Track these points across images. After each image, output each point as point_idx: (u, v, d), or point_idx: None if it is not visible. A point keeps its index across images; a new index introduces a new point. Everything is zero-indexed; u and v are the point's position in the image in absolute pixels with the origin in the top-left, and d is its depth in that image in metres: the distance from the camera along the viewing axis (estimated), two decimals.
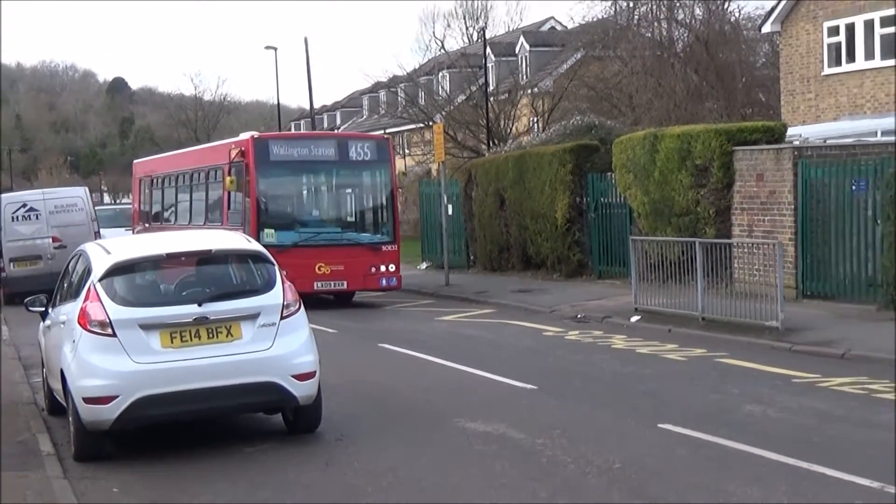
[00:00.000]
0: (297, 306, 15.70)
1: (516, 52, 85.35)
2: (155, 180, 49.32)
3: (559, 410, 17.60)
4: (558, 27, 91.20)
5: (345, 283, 35.59)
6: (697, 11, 60.78)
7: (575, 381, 19.98)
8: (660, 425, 16.03)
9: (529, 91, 68.49)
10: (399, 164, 64.97)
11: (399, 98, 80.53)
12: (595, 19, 64.01)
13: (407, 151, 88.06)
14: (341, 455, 15.01)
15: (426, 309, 35.59)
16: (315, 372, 15.50)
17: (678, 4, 61.45)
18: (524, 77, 74.99)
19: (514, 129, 64.47)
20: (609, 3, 62.91)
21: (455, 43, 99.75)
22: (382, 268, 36.19)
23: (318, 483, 13.59)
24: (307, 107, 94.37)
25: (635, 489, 12.62)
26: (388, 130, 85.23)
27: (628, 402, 17.90)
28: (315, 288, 34.28)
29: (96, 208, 62.03)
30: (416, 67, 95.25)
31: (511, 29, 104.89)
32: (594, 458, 14.22)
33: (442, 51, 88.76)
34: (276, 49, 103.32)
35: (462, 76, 77.00)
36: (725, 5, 61.58)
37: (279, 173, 36.85)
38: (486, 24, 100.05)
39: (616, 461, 14.06)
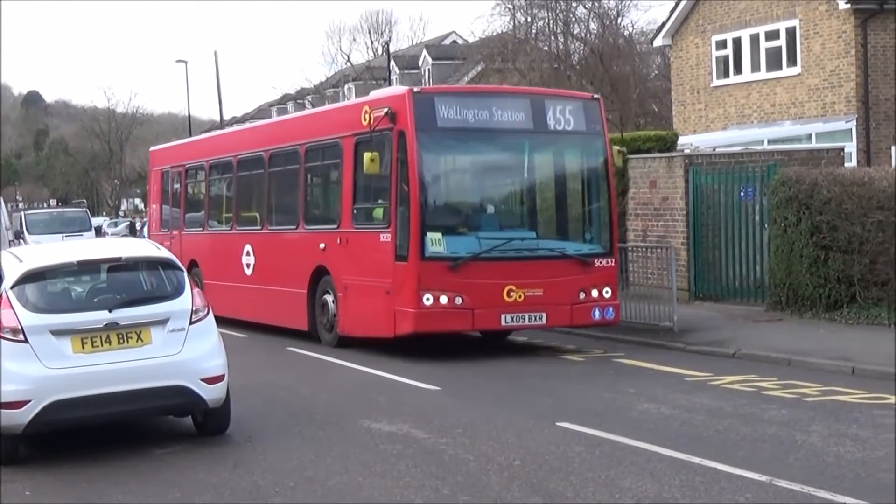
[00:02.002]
0: (205, 312, 15.50)
1: (419, 65, 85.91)
2: (193, 171, 34.86)
3: (462, 410, 17.51)
4: (459, 41, 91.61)
5: (543, 315, 22.38)
6: (592, 26, 61.29)
7: (477, 381, 19.98)
8: (558, 423, 15.99)
9: None
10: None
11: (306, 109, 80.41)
12: (495, 34, 64.32)
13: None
14: (249, 456, 14.82)
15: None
16: (224, 375, 15.33)
17: (574, 19, 61.90)
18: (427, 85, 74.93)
19: None
20: (508, 19, 63.31)
21: (360, 56, 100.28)
22: (595, 292, 22.64)
23: (227, 483, 13.37)
24: (218, 118, 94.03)
25: (534, 485, 12.54)
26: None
27: (528, 402, 17.90)
28: (502, 323, 22.38)
29: (29, 213, 61.43)
30: (322, 80, 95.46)
31: (414, 43, 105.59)
32: (495, 456, 14.14)
33: (348, 64, 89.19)
34: (186, 63, 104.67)
35: (367, 88, 76.98)
36: (619, 20, 62.05)
37: (450, 148, 23.89)
38: (390, 38, 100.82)
39: (516, 458, 13.98)
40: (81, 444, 15.28)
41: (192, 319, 15.15)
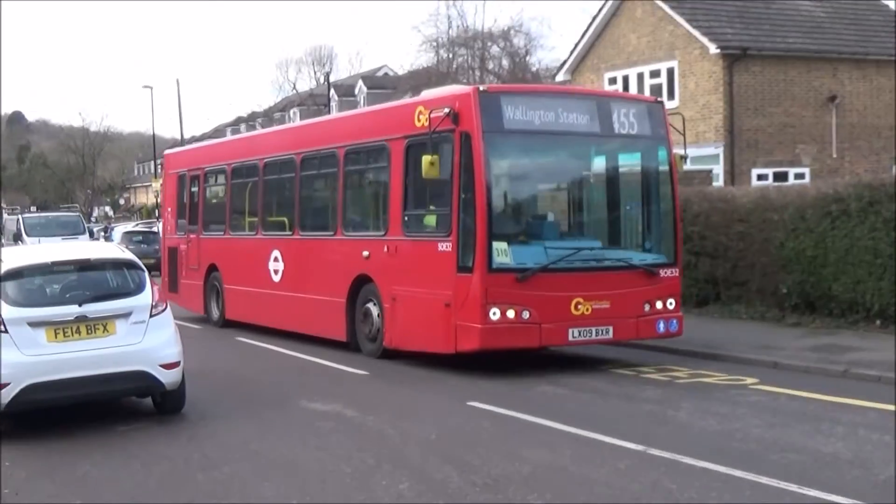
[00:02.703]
0: (163, 307, 15.42)
1: (356, 93, 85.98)
2: (213, 174, 29.22)
3: (387, 392, 17.65)
4: (391, 73, 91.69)
5: (610, 329, 18.65)
6: (504, 62, 61.33)
7: (400, 367, 19.88)
8: (469, 403, 16.04)
9: None
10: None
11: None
12: (421, 67, 64.30)
13: None
14: (201, 432, 14.78)
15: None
16: (179, 362, 15.28)
17: (489, 56, 61.92)
18: None
19: None
20: (432, 55, 63.29)
21: (305, 85, 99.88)
22: (659, 304, 19.19)
23: (181, 455, 13.32)
24: (179, 137, 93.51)
25: (448, 456, 12.55)
26: None
27: (444, 385, 17.95)
28: (570, 338, 18.47)
29: (26, 217, 60.74)
30: (271, 105, 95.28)
31: (351, 74, 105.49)
32: (414, 431, 14.20)
33: (294, 91, 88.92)
34: (151, 88, 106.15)
35: (310, 112, 77.11)
36: (527, 58, 62.13)
37: (517, 151, 19.73)
38: (330, 69, 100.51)
39: (433, 433, 14.05)
40: (55, 423, 15.16)
41: (152, 313, 15.08)
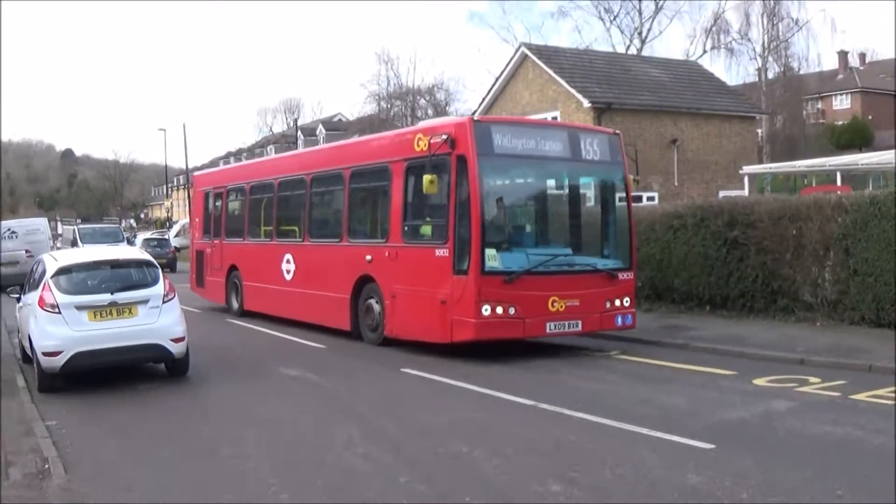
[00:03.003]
0: (172, 295, 15.48)
1: (317, 134, 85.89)
2: (234, 191, 27.84)
3: (340, 361, 17.53)
4: (344, 119, 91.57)
5: (579, 323, 17.73)
6: (430, 112, 61.20)
7: (351, 343, 19.71)
8: (403, 370, 16.03)
9: None
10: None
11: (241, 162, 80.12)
12: (366, 115, 64.17)
13: None
14: (202, 391, 14.68)
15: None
16: (185, 337, 15.37)
17: (418, 107, 61.83)
18: None
19: None
20: (374, 105, 63.17)
21: (278, 127, 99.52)
22: (618, 301, 18.30)
23: (187, 407, 13.26)
24: (184, 167, 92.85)
25: (387, 409, 12.51)
26: None
27: (385, 356, 17.76)
28: (547, 331, 17.43)
29: (80, 227, 60.38)
30: (252, 143, 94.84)
31: (314, 119, 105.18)
32: (362, 391, 14.19)
33: (270, 132, 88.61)
34: (165, 130, 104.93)
35: (282, 148, 76.65)
36: (447, 107, 62.11)
37: (505, 172, 18.55)
38: (298, 115, 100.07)
39: (375, 393, 14.01)
40: (97, 381, 15.06)
41: (164, 300, 15.17)
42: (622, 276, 18.12)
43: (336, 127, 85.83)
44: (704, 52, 59.21)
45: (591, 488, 8.74)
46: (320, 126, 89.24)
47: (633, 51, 57.71)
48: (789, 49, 62.80)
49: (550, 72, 39.14)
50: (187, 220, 75.85)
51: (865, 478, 8.90)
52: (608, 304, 17.83)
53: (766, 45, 57.55)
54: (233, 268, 26.79)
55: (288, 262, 23.18)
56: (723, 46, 59.72)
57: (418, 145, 17.82)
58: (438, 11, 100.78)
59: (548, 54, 41.18)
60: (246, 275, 26.04)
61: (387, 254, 18.71)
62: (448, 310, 16.80)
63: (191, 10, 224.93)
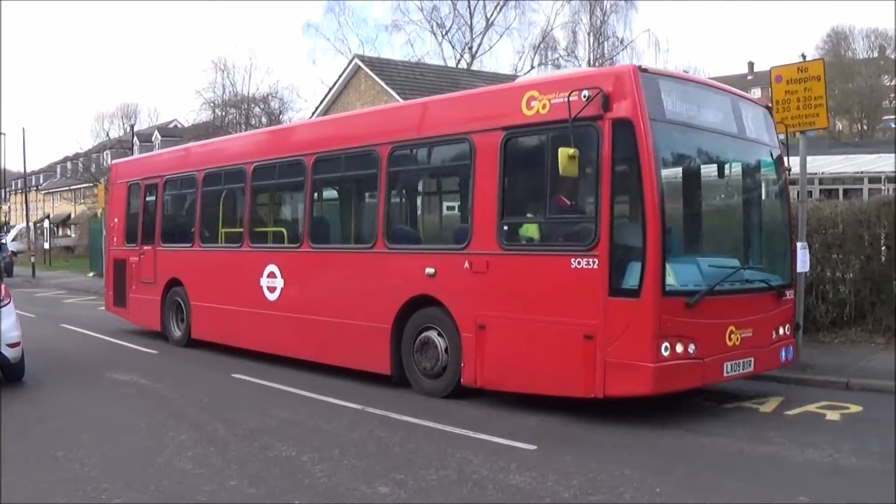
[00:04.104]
0: (8, 300, 14.93)
1: (153, 139, 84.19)
2: (175, 182, 20.85)
3: (173, 367, 17.28)
4: (180, 125, 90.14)
5: (752, 361, 12.48)
6: (264, 120, 60.80)
7: (183, 350, 19.61)
8: (233, 375, 16.04)
9: None
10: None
11: (78, 167, 78.11)
12: (201, 122, 63.35)
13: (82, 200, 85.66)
14: (37, 395, 14.29)
15: None
16: (20, 342, 14.91)
17: (252, 115, 61.42)
18: None
19: None
20: (210, 112, 62.42)
21: (116, 132, 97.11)
22: (781, 329, 13.39)
23: (23, 411, 12.87)
24: (22, 171, 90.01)
25: (217, 413, 12.52)
26: (72, 187, 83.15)
27: (216, 362, 17.72)
28: (724, 373, 12.09)
29: None
30: (89, 148, 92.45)
31: (150, 125, 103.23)
32: (192, 395, 14.07)
33: (107, 137, 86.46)
34: (4, 134, 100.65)
35: (118, 153, 74.86)
36: (280, 117, 61.81)
37: (678, 148, 12.52)
38: (135, 121, 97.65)
39: (205, 397, 13.97)
40: None
41: (0, 305, 14.66)
42: (787, 294, 13.55)
43: (172, 133, 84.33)
44: (532, 67, 60.37)
45: (417, 489, 8.96)
46: (156, 132, 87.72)
47: (463, 65, 58.54)
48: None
49: (382, 83, 39.46)
50: (24, 224, 73.59)
51: (690, 475, 9.40)
52: (774, 334, 13.16)
53: (591, 63, 58.99)
54: (174, 283, 20.41)
55: (272, 276, 17.13)
56: (550, 63, 60.95)
57: (529, 107, 12.37)
58: (275, 21, 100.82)
59: (380, 66, 41.56)
60: (195, 292, 19.70)
61: (467, 265, 13.08)
62: (598, 349, 11.44)
63: (30, 9, 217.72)
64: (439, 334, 13.70)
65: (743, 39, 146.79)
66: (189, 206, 20.41)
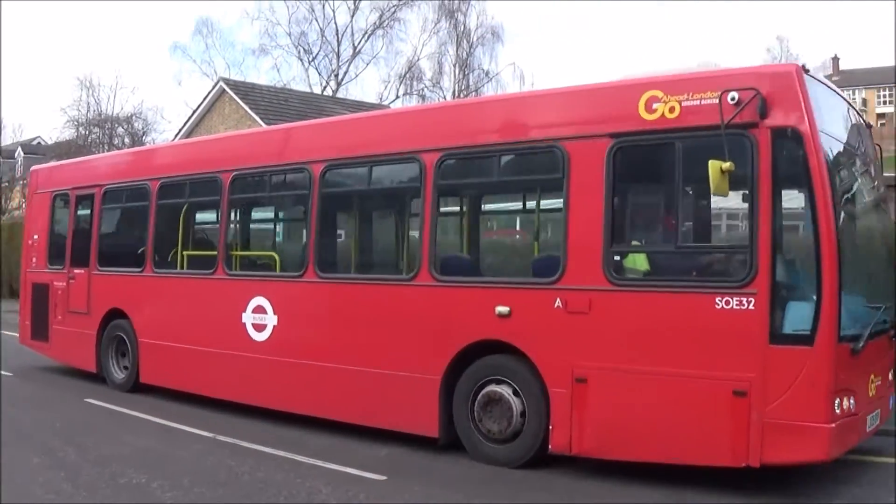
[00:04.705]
0: None
1: (15, 156, 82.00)
2: (119, 194, 17.25)
3: (34, 391, 16.97)
4: (43, 142, 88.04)
5: (878, 413, 10.21)
6: (127, 140, 59.85)
7: (46, 373, 19.26)
8: (86, 399, 15.83)
9: (21, 182, 65.26)
10: None
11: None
12: (64, 139, 62.07)
13: None
14: None
15: None
16: None
17: (115, 136, 60.43)
18: (19, 173, 70.73)
19: (8, 205, 61.06)
20: (74, 130, 61.25)
21: None
22: (890, 375, 10.73)
23: None
24: None
25: (69, 438, 12.44)
26: None
27: (74, 386, 17.40)
28: (867, 429, 9.91)
29: None
30: None
31: (14, 140, 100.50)
32: (48, 419, 13.89)
33: None
34: None
35: None
36: (144, 138, 60.91)
37: (838, 164, 9.81)
38: None
39: (58, 421, 13.78)
40: None
41: None
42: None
43: (35, 150, 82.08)
44: (398, 97, 60.98)
45: None
46: (19, 149, 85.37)
47: (329, 92, 58.74)
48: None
49: (246, 108, 39.34)
50: None
51: None
52: (891, 377, 10.95)
53: (456, 94, 59.88)
54: (115, 314, 16.85)
55: (260, 311, 13.83)
56: (415, 93, 61.69)
57: (650, 110, 9.99)
58: (142, 41, 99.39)
59: (245, 90, 41.46)
60: (146, 327, 16.20)
61: (560, 303, 10.49)
62: (753, 407, 9.33)
63: None
64: (513, 389, 11.03)
65: (607, 74, 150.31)
66: (138, 223, 16.71)
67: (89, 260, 17.53)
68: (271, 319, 13.69)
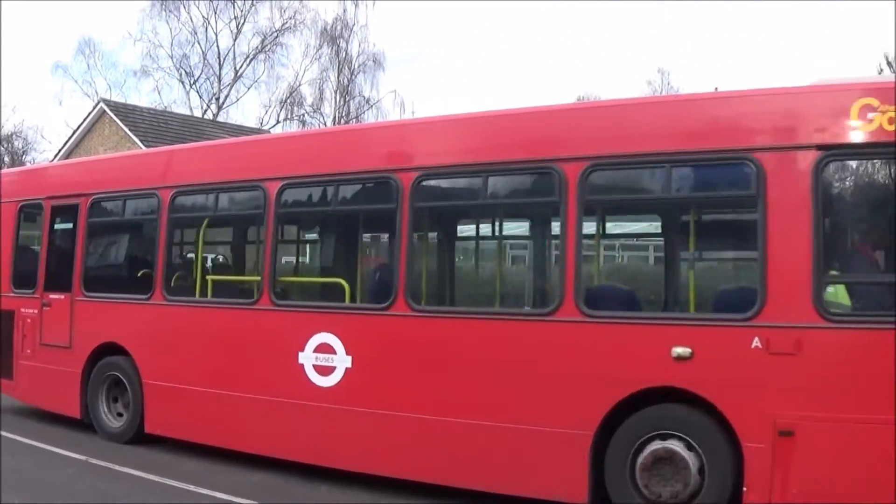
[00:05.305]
0: None
1: None
2: (115, 206, 14.22)
3: None
4: None
5: None
6: (7, 160, 58.62)
7: None
8: None
9: None
10: None
11: None
12: None
13: None
14: None
15: None
16: None
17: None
18: None
19: None
20: None
21: None
22: None
23: None
24: None
25: None
26: None
27: None
28: None
29: None
30: None
31: None
32: None
33: None
34: None
35: None
36: (24, 157, 59.66)
37: None
38: None
39: None
40: None
41: None
42: None
43: None
44: (278, 122, 60.80)
45: None
46: None
47: (209, 115, 58.31)
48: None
49: (126, 129, 38.96)
50: None
51: None
52: None
53: (337, 120, 59.96)
54: (107, 350, 13.90)
55: (325, 349, 11.18)
56: (296, 118, 61.56)
57: (866, 120, 8.44)
58: (23, 59, 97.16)
59: (125, 112, 41.07)
60: (155, 366, 13.26)
61: (758, 342, 8.67)
62: None
63: None
64: (685, 443, 9.07)
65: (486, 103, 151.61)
66: (140, 240, 14.50)
67: (71, 283, 14.41)
68: (342, 361, 11.06)
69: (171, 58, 60.29)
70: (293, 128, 60.47)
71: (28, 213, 15.75)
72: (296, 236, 13.94)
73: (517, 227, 12.67)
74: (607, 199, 10.42)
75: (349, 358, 11.02)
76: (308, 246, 14.71)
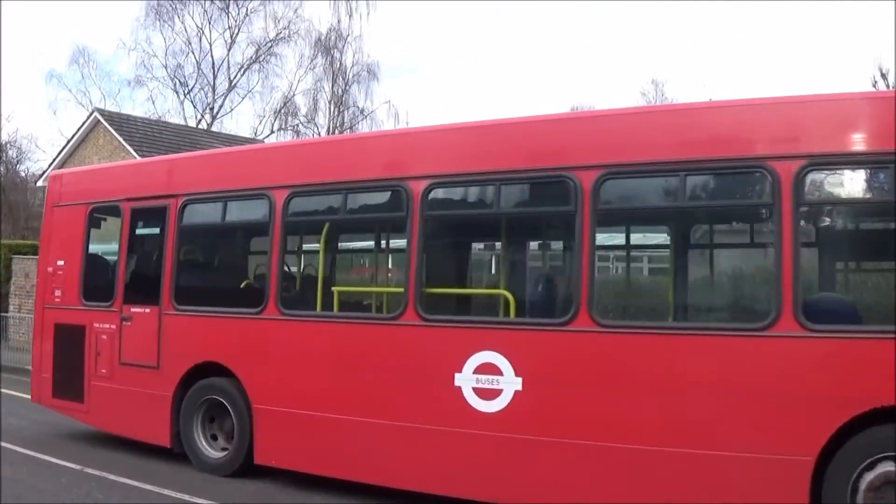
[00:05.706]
0: None
1: None
2: (219, 206, 12.38)
3: None
4: None
5: None
6: (2, 169, 58.55)
7: None
8: None
9: None
10: None
11: None
12: None
13: None
14: None
15: None
16: None
17: None
18: None
19: None
20: None
21: None
22: None
23: None
24: None
25: None
26: None
27: None
28: None
29: None
30: None
31: None
32: None
33: None
34: None
35: None
36: (18, 166, 59.64)
37: None
38: None
39: None
40: None
41: None
42: None
43: None
44: (272, 132, 60.72)
45: None
46: None
47: (204, 125, 58.27)
48: None
49: (120, 139, 38.85)
50: None
51: None
52: None
53: (331, 130, 59.92)
54: (206, 370, 12.33)
55: (488, 370, 9.78)
56: (290, 128, 61.51)
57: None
58: (17, 68, 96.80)
59: (119, 121, 40.95)
60: (268, 389, 11.68)
61: None
62: None
63: None
64: None
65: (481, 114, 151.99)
66: (245, 246, 13.41)
67: (159, 295, 12.79)
68: (510, 383, 9.69)
69: (166, 67, 60.28)
70: (287, 137, 60.47)
71: (99, 217, 14.16)
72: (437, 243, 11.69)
73: (753, 229, 10.89)
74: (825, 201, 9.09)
75: (518, 380, 9.64)
76: (461, 253, 12.67)
